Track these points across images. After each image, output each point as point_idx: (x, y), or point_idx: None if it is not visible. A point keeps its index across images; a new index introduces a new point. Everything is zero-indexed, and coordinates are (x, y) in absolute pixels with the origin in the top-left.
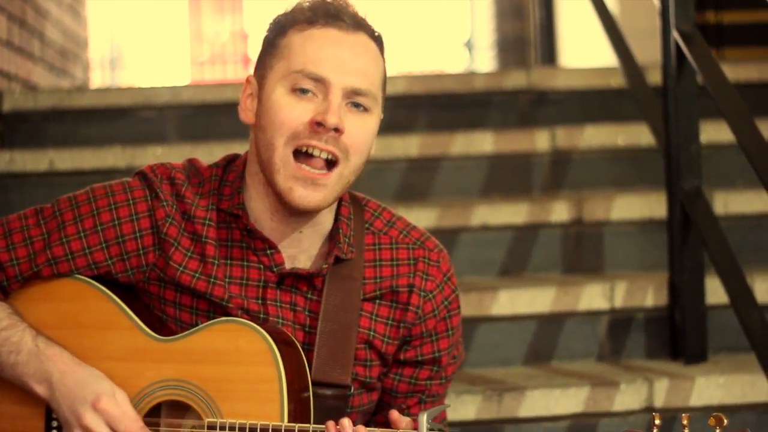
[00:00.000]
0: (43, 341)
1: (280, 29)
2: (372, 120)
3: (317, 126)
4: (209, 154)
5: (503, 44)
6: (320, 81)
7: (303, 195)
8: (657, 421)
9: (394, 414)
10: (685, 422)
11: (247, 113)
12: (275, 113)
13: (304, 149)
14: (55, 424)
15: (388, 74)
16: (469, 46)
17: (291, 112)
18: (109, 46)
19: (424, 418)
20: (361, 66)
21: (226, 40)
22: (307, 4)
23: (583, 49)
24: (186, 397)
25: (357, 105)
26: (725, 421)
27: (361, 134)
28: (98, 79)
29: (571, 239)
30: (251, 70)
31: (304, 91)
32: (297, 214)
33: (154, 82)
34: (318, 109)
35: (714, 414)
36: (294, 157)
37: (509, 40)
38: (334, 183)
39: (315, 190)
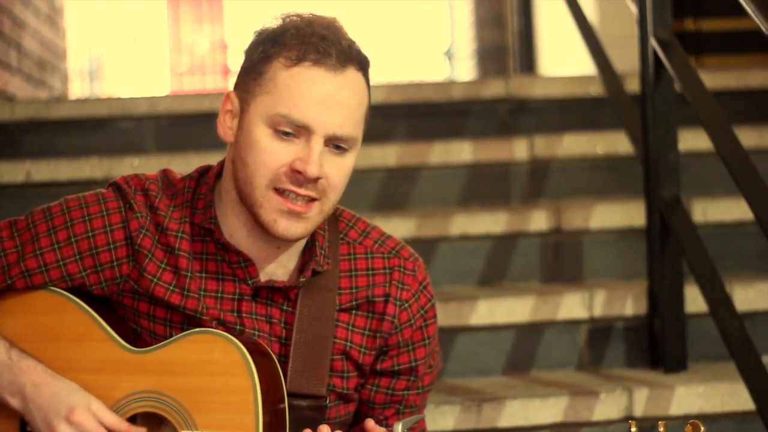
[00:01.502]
0: (17, 353)
1: (265, 55)
2: (351, 158)
3: (297, 173)
4: (187, 164)
5: (483, 53)
6: (303, 127)
7: (287, 227)
8: (633, 429)
9: (370, 423)
10: (661, 429)
11: (226, 131)
12: (257, 153)
13: (283, 191)
14: None
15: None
16: (448, 55)
17: (272, 155)
18: (88, 57)
19: (399, 428)
20: (345, 111)
21: (205, 50)
22: (296, 30)
23: (562, 57)
24: (161, 409)
25: (338, 147)
26: (702, 428)
27: (339, 175)
28: (77, 89)
29: (550, 248)
30: (231, 81)
31: (286, 134)
32: None
33: (134, 93)
34: (299, 155)
35: (691, 421)
36: (275, 192)
37: (489, 49)
38: (315, 215)
39: (298, 222)
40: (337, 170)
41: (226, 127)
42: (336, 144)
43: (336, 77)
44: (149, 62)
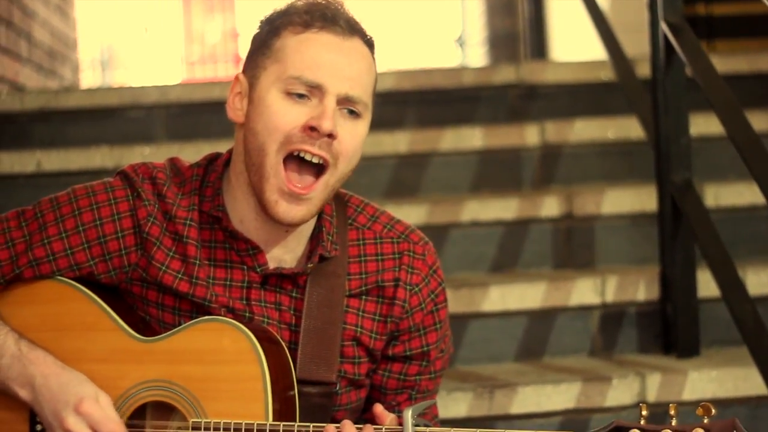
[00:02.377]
0: (26, 345)
1: (273, 30)
2: (363, 125)
3: (311, 131)
4: (197, 153)
5: (494, 40)
6: (316, 87)
7: (286, 210)
8: (644, 412)
9: (379, 408)
10: (672, 412)
11: (236, 112)
12: (269, 117)
13: (297, 153)
14: (39, 428)
15: (378, 70)
16: (460, 42)
17: (285, 116)
18: (99, 47)
19: (409, 414)
20: (356, 73)
21: (217, 39)
22: (302, 5)
23: (573, 43)
24: (170, 398)
25: (351, 111)
26: (713, 410)
27: (352, 140)
28: (90, 79)
29: (561, 234)
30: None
31: (300, 96)
32: None
33: (146, 83)
34: (312, 114)
35: (702, 403)
36: (285, 165)
37: (500, 36)
38: (318, 193)
39: (299, 205)
40: (349, 136)
41: (236, 109)
42: (348, 107)
43: (344, 42)
44: (161, 52)
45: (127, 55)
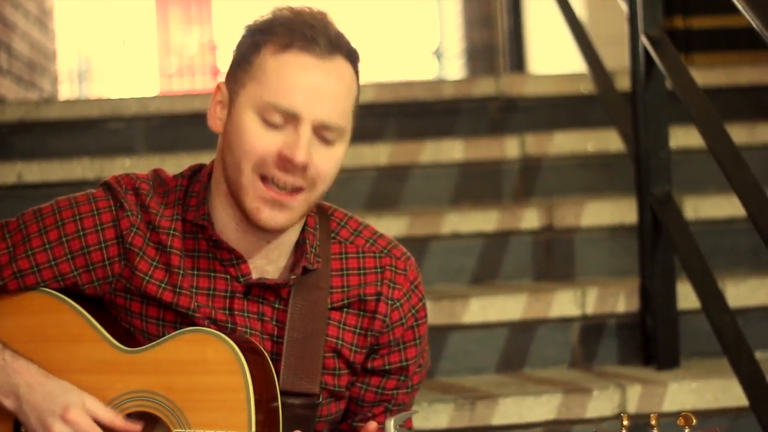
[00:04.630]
0: (10, 354)
1: (254, 45)
2: (340, 149)
3: (285, 161)
4: (178, 165)
5: (472, 52)
6: (291, 115)
7: (269, 216)
8: (625, 422)
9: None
10: (653, 422)
11: (215, 121)
12: (244, 138)
13: (270, 177)
14: None
15: (359, 82)
16: (438, 54)
17: (259, 140)
18: (77, 59)
19: (391, 424)
20: (333, 98)
21: (194, 51)
22: (285, 20)
23: (552, 56)
24: (155, 409)
25: (325, 137)
26: (694, 420)
27: (327, 165)
28: (67, 91)
29: (541, 246)
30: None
31: (274, 124)
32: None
33: (124, 94)
34: (287, 141)
35: (683, 413)
36: (261, 180)
37: (478, 49)
38: (300, 205)
39: (281, 211)
40: (325, 160)
41: (215, 118)
42: (324, 134)
43: (324, 64)
44: (138, 64)
45: (105, 66)
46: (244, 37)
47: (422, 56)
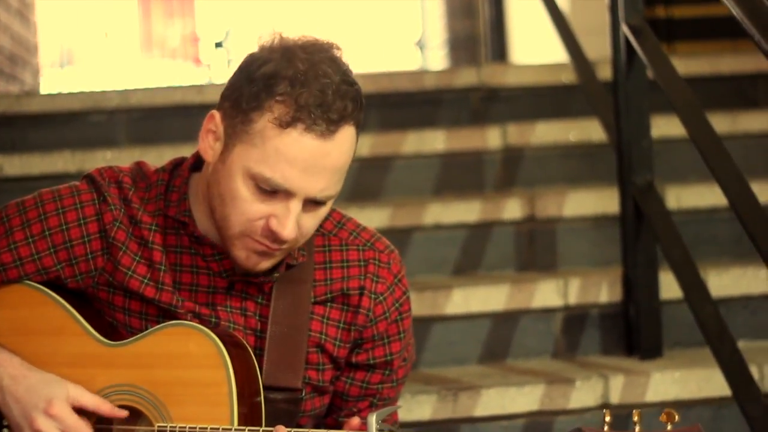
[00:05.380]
0: None
1: (256, 101)
2: (327, 207)
3: (272, 233)
4: (159, 157)
5: (454, 43)
6: (284, 191)
7: (257, 262)
8: (607, 418)
9: (354, 421)
10: (636, 418)
11: (207, 151)
12: (235, 201)
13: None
14: (6, 431)
15: None
16: (420, 45)
17: (251, 206)
18: (59, 51)
19: (373, 419)
20: (329, 175)
21: (177, 43)
22: (290, 84)
23: (534, 46)
24: (137, 403)
25: (316, 204)
26: (676, 417)
27: (313, 223)
28: (50, 83)
29: (524, 237)
30: (201, 74)
31: (266, 191)
32: None
33: (106, 86)
34: (276, 212)
35: (666, 410)
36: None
37: (460, 39)
38: (282, 254)
39: (267, 260)
40: (311, 219)
41: (207, 146)
42: (314, 202)
43: (325, 143)
44: (121, 56)
45: (87, 58)
46: (247, 77)
47: (405, 47)
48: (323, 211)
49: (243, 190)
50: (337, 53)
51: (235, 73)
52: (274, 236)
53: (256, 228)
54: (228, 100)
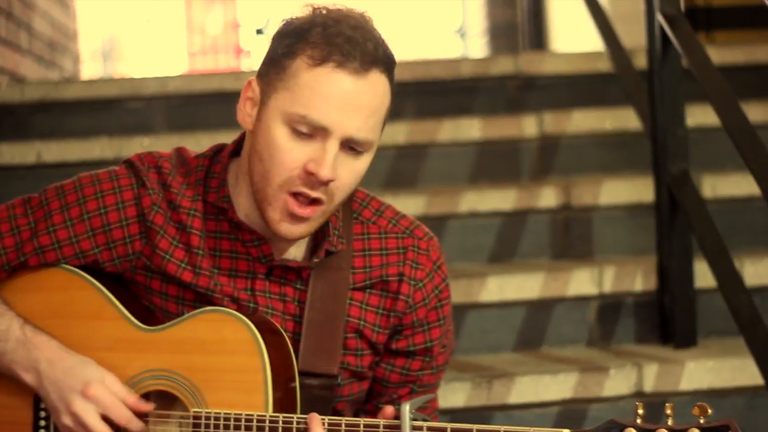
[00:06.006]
0: (31, 330)
1: (289, 50)
2: (365, 160)
3: (310, 175)
4: (196, 144)
5: (495, 31)
6: (320, 128)
7: (288, 228)
8: (640, 411)
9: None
10: (669, 411)
11: (245, 118)
12: (273, 151)
13: (294, 194)
14: (43, 414)
15: None
16: (461, 33)
17: (288, 154)
18: (101, 38)
19: (407, 408)
20: (365, 115)
21: (218, 30)
22: (323, 27)
23: (575, 33)
24: (173, 387)
25: (353, 148)
26: (709, 410)
27: (350, 177)
28: (91, 70)
29: (559, 225)
30: (243, 61)
31: (303, 134)
32: None
33: (147, 74)
34: (313, 155)
35: (698, 404)
36: (286, 194)
37: (500, 27)
38: (318, 217)
39: (299, 224)
40: (349, 172)
41: (245, 114)
42: (351, 147)
43: (358, 81)
44: (163, 43)
45: (129, 46)
46: (280, 35)
47: (446, 35)
48: (360, 165)
49: (280, 137)
50: (368, 19)
51: (270, 41)
52: (312, 180)
53: (294, 177)
54: (264, 63)
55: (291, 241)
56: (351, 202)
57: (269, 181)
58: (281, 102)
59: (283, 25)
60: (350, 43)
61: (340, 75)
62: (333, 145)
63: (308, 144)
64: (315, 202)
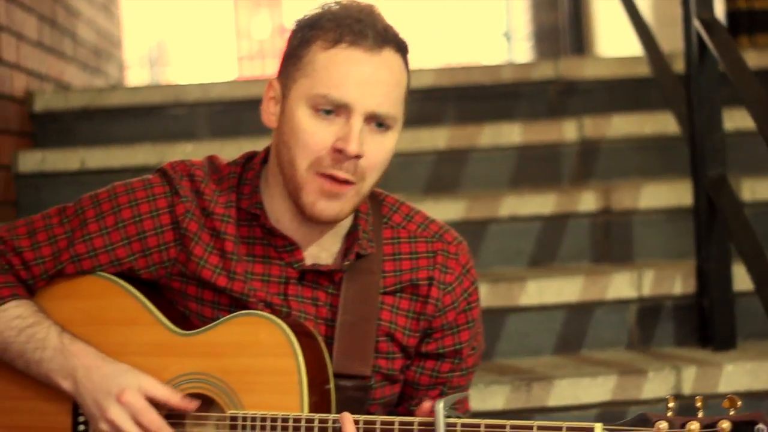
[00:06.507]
0: (68, 337)
1: (304, 41)
2: (391, 138)
3: (338, 153)
4: (238, 150)
5: (540, 34)
6: (342, 106)
7: (324, 207)
8: (670, 404)
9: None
10: (698, 405)
11: (269, 117)
12: (299, 134)
13: (324, 173)
14: (81, 419)
15: (419, 66)
16: (506, 36)
17: (313, 136)
18: (149, 44)
19: (440, 406)
20: (384, 89)
21: (266, 35)
22: (333, 15)
23: (621, 37)
24: (209, 390)
25: (378, 125)
26: (739, 402)
27: (379, 154)
28: (139, 77)
29: (599, 229)
30: (272, 78)
31: (327, 112)
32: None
33: (196, 79)
34: (339, 134)
35: (729, 396)
36: (316, 176)
37: (545, 30)
38: (351, 196)
39: (335, 202)
40: (377, 150)
41: (269, 114)
42: (376, 122)
43: (373, 57)
44: (212, 47)
45: (177, 51)
46: (293, 32)
47: (491, 39)
48: (387, 142)
49: (304, 120)
50: (376, 8)
51: (286, 42)
52: (340, 158)
53: (322, 158)
54: (281, 62)
55: (322, 242)
56: (381, 207)
57: (297, 165)
58: (302, 89)
59: (295, 24)
60: (360, 24)
61: (354, 53)
62: (357, 121)
63: (333, 123)
64: (347, 182)
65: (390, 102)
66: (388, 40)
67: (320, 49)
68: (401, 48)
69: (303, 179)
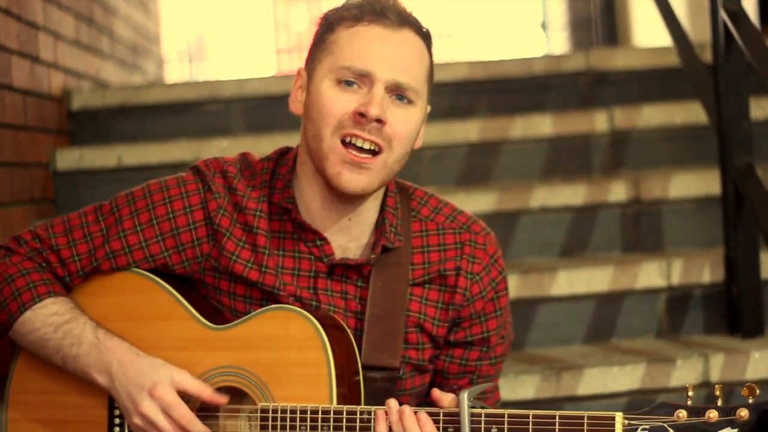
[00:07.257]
0: (103, 333)
1: (328, 26)
2: (415, 112)
3: (360, 116)
4: (274, 145)
5: (575, 24)
6: (365, 75)
7: (350, 178)
8: (690, 393)
9: (436, 392)
10: (717, 393)
11: (296, 104)
12: (322, 104)
13: (349, 139)
14: (117, 412)
15: (452, 60)
16: (543, 27)
17: (336, 103)
18: (187, 40)
19: (465, 396)
20: (405, 62)
21: (304, 28)
22: (356, 3)
23: (655, 27)
24: (241, 383)
25: (400, 97)
26: (757, 390)
27: (403, 124)
28: (179, 72)
29: (629, 218)
30: (300, 67)
31: (349, 83)
32: (345, 201)
33: (236, 74)
34: (361, 101)
35: (747, 384)
36: (341, 144)
37: (581, 20)
38: (379, 168)
39: (361, 173)
40: (401, 121)
41: (296, 101)
42: (398, 94)
43: (394, 34)
44: (251, 41)
45: (217, 45)
46: (319, 24)
47: (530, 30)
48: (413, 115)
49: (327, 91)
50: None
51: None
52: (362, 119)
53: (345, 120)
54: (309, 52)
55: (350, 232)
56: (410, 201)
57: (323, 134)
58: (326, 65)
59: (320, 18)
60: (381, 5)
61: (376, 28)
62: (379, 89)
63: (355, 92)
64: (375, 153)
65: (411, 75)
66: (410, 22)
67: (343, 28)
68: (422, 33)
69: (328, 148)
